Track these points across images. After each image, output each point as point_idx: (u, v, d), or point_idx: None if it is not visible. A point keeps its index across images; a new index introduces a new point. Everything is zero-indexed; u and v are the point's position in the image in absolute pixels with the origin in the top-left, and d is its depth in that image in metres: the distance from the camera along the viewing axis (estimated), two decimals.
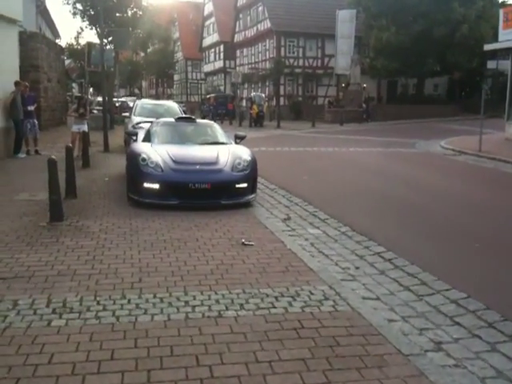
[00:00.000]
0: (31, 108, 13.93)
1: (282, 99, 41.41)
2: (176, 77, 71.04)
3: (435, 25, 33.00)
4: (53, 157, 7.07)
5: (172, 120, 10.19)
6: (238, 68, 49.74)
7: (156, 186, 7.90)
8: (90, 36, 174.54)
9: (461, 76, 41.72)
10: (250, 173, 8.43)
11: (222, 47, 55.48)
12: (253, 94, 35.56)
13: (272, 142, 18.74)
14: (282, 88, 41.67)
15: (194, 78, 66.86)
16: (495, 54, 36.55)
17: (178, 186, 7.87)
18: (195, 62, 65.70)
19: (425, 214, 8.32)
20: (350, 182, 11.25)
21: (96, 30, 30.29)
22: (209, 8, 58.21)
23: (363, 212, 8.38)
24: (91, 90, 58.47)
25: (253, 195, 8.49)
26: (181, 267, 5.26)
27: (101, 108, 31.81)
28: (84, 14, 30.54)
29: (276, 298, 4.51)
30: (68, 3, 31.44)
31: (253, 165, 8.56)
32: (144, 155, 8.22)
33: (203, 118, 31.29)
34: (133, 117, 16.24)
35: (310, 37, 41.09)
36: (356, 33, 36.46)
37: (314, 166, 13.54)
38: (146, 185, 7.94)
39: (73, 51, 48.83)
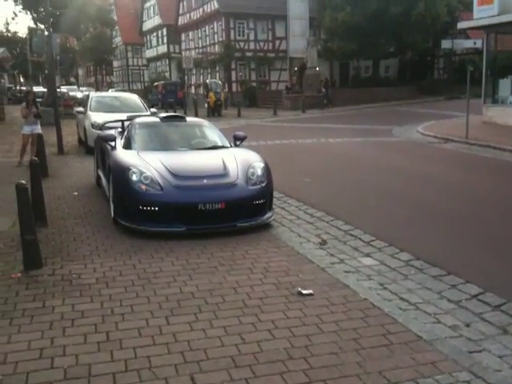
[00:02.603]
0: None
1: (234, 85, 39.59)
2: (115, 63, 67.44)
3: (391, 4, 32.05)
4: (23, 182, 5.22)
5: (156, 119, 8.39)
6: (183, 53, 47.33)
7: (155, 208, 6.20)
8: (24, 22, 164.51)
9: (411, 57, 41.29)
10: (267, 185, 6.85)
11: (164, 31, 52.73)
12: (208, 80, 33.50)
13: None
14: (233, 73, 39.83)
15: (136, 64, 63.54)
16: (448, 33, 36.37)
17: (183, 208, 6.19)
18: (136, 47, 62.40)
19: (479, 225, 7.03)
20: (358, 182, 9.86)
21: (32, 14, 27.62)
22: None
23: (408, 227, 6.98)
24: (22, 80, 54.62)
25: (271, 213, 6.92)
26: (240, 347, 3.67)
27: (40, 100, 29.29)
28: None
29: None
30: None
31: (268, 174, 6.99)
32: (134, 169, 6.47)
33: (150, 107, 29.04)
34: (89, 112, 14.30)
35: (260, 18, 39.23)
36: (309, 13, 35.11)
37: (307, 164, 12.07)
38: (141, 208, 6.22)
39: (3, 39, 45.09)
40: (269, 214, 6.83)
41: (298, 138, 16.89)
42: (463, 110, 23.64)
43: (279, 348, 3.66)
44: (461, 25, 20.48)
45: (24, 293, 4.60)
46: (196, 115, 27.57)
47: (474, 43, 32.92)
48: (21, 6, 28.00)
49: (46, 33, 16.98)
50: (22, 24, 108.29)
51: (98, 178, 8.96)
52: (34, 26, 25.00)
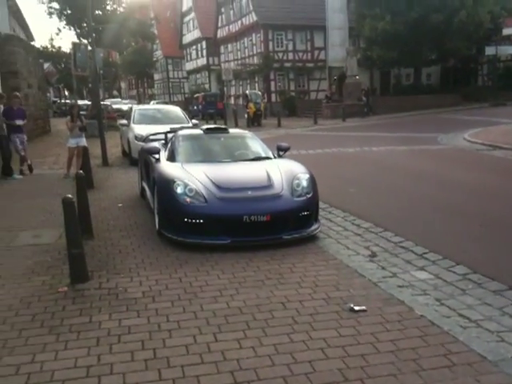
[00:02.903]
0: (20, 122, 12.01)
1: (273, 95, 39.59)
2: (156, 76, 68.69)
3: (432, 11, 31.46)
4: (69, 196, 5.21)
5: (199, 131, 8.35)
6: (223, 65, 47.70)
7: (200, 221, 6.11)
8: (68, 37, 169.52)
9: (454, 64, 40.40)
10: (313, 196, 6.68)
11: (204, 43, 53.38)
12: (248, 91, 33.58)
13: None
14: (272, 84, 39.84)
15: (176, 76, 64.54)
16: (492, 40, 35.43)
17: (228, 220, 6.08)
18: (176, 60, 63.41)
19: None
20: (405, 193, 9.56)
21: (75, 29, 28.33)
22: (187, 3, 56.02)
23: (462, 239, 6.67)
24: (66, 93, 56.05)
25: (317, 225, 6.74)
26: (291, 367, 3.50)
27: (84, 113, 29.95)
28: (61, 14, 28.47)
29: None
30: (43, 2, 29.32)
31: (313, 185, 6.82)
32: (179, 181, 6.41)
33: (191, 118, 29.28)
34: (132, 125, 14.45)
35: (298, 29, 39.22)
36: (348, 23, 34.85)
37: (351, 173, 11.82)
38: (186, 220, 6.14)
39: (48, 54, 46.40)
40: (315, 226, 6.65)
41: (339, 147, 16.64)
42: (510, 117, 23.07)
43: (333, 369, 3.48)
44: (507, 31, 19.81)
45: (71, 307, 4.56)
46: (236, 125, 27.68)
47: None
48: (64, 22, 28.73)
49: (90, 48, 17.36)
50: (66, 39, 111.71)
51: (143, 189, 8.97)
52: (78, 41, 25.60)
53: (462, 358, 3.59)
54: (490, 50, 33.39)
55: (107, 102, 37.59)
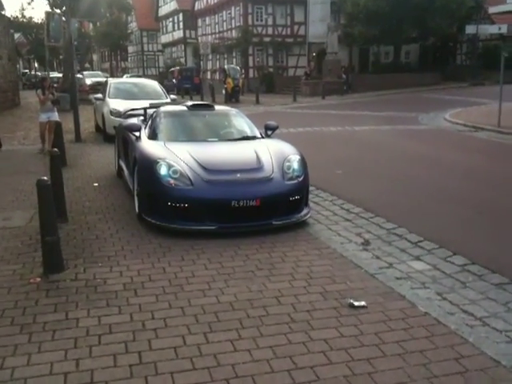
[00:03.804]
0: None
1: (251, 71, 38.88)
2: (131, 49, 66.92)
3: None
4: (44, 178, 4.75)
5: (183, 108, 7.86)
6: (200, 38, 46.63)
7: (185, 205, 5.71)
8: (40, 7, 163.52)
9: (434, 42, 40.24)
10: (304, 180, 6.33)
11: (181, 16, 52.05)
12: (226, 66, 32.78)
13: (262, 122, 16.37)
14: (250, 59, 39.09)
15: (151, 49, 62.96)
16: (472, 19, 35.26)
17: (216, 204, 5.69)
18: (151, 32, 61.80)
19: None
20: (392, 175, 9.29)
21: None
22: None
23: (456, 225, 6.42)
24: (36, 65, 54.23)
25: (307, 210, 6.40)
26: (293, 374, 3.17)
27: (55, 86, 28.78)
28: None
29: None
30: None
31: (304, 168, 6.46)
32: (162, 162, 5.97)
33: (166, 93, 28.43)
34: (107, 99, 13.84)
35: (278, 3, 38.42)
36: None
37: (335, 154, 11.50)
38: (170, 204, 5.73)
39: (19, 24, 44.70)
40: (305, 211, 6.31)
41: (321, 126, 16.29)
42: (489, 97, 22.98)
43: (338, 376, 3.17)
44: (492, 9, 19.61)
45: (44, 301, 4.15)
46: (213, 101, 27.01)
47: (499, 29, 31.80)
48: None
49: (64, 18, 16.49)
50: (38, 9, 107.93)
51: (120, 168, 8.51)
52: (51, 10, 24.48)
53: (475, 363, 3.32)
54: (470, 29, 33.18)
55: (86, 74, 36.42)
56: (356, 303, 4.10)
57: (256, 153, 6.43)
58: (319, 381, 3.12)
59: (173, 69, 42.41)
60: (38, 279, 4.56)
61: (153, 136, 7.05)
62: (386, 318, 3.92)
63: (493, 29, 33.03)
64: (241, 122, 7.70)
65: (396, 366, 3.29)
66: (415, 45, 40.17)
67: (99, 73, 43.79)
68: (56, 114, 11.13)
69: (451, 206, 7.23)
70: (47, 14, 17.69)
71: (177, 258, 5.12)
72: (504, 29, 30.35)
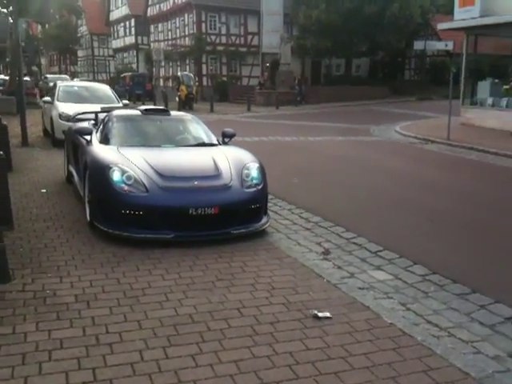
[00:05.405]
0: None
1: (204, 79, 38.68)
2: (80, 53, 65.49)
3: (366, 3, 31.79)
4: None
5: (137, 112, 7.59)
6: (152, 44, 46.09)
7: (139, 213, 5.47)
8: None
9: (383, 57, 41.25)
10: (263, 187, 6.21)
11: (132, 21, 51.30)
12: (180, 73, 32.44)
13: (218, 130, 16.16)
14: (203, 67, 38.91)
15: (101, 54, 61.86)
16: (420, 35, 36.38)
17: (173, 212, 5.48)
18: (102, 37, 60.71)
19: (488, 232, 6.57)
20: (349, 185, 9.32)
21: None
22: None
23: (413, 234, 6.45)
24: None
25: (267, 219, 6.27)
26: None
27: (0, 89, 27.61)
28: None
29: None
30: None
31: (263, 176, 6.35)
32: (114, 167, 5.72)
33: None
34: (56, 102, 13.34)
35: (232, 12, 38.48)
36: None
37: (292, 163, 11.45)
38: (124, 212, 5.48)
39: None
40: (264, 220, 6.19)
41: (276, 136, 16.29)
42: (437, 111, 23.68)
43: None
44: (441, 26, 20.19)
45: None
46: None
47: (446, 45, 32.93)
48: None
49: (11, 19, 15.84)
50: None
51: (70, 174, 8.15)
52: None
53: (444, 375, 3.25)
54: (418, 45, 34.18)
55: (50, 77, 35.29)
56: (320, 314, 3.99)
57: (214, 160, 6.26)
58: None
59: (124, 74, 41.67)
60: None
61: (105, 140, 6.77)
62: (352, 329, 3.82)
63: (440, 45, 34.20)
64: (197, 128, 7.52)
65: (364, 379, 3.19)
66: (366, 58, 41.04)
67: (67, 76, 42.34)
68: None
69: (406, 215, 7.28)
70: None
71: (132, 268, 4.87)
72: (450, 45, 31.46)
